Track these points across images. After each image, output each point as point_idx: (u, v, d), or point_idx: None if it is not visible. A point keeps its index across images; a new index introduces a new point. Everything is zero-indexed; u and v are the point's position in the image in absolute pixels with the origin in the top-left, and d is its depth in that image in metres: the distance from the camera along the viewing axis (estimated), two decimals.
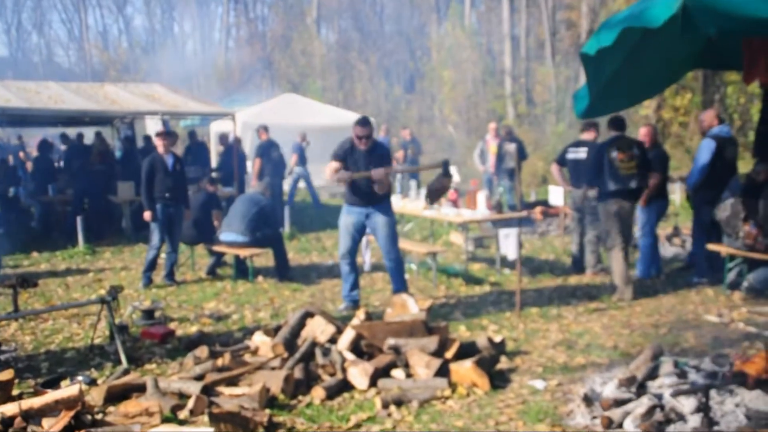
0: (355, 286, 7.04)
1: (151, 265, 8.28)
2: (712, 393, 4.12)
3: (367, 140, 6.65)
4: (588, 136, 8.46)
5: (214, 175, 12.77)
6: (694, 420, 3.92)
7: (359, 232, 6.95)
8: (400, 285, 6.93)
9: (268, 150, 12.53)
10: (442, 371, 4.81)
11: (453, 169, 10.51)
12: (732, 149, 7.63)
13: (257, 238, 8.30)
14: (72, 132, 15.66)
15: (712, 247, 7.56)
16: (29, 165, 17.93)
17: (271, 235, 8.50)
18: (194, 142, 14.30)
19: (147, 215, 8.25)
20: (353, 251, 6.99)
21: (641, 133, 8.23)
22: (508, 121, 24.61)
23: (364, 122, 6.75)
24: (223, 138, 14.57)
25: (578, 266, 8.49)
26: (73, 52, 51.68)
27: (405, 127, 17.09)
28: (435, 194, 6.83)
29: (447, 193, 6.92)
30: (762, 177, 7.23)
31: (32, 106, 10.98)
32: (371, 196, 6.75)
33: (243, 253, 8.26)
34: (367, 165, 6.65)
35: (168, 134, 8.61)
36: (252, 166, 13.23)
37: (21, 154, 18.63)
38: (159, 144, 8.40)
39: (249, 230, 8.26)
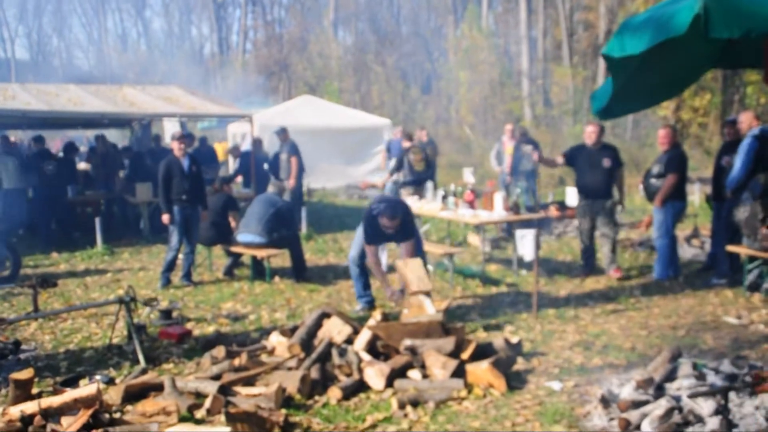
0: (367, 286, 7.06)
1: (170, 266, 8.33)
2: (731, 395, 4.08)
3: (394, 229, 6.59)
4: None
5: (221, 174, 12.91)
6: (713, 422, 3.88)
7: None
8: None
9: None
10: (459, 372, 4.80)
11: (468, 172, 10.50)
12: None
13: (274, 239, 8.33)
14: (90, 134, 15.86)
15: (731, 248, 7.49)
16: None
17: (288, 236, 8.53)
18: (203, 146, 14.55)
19: (165, 218, 8.31)
20: (364, 255, 6.98)
21: (660, 135, 8.16)
22: (525, 122, 24.54)
23: (392, 215, 6.51)
24: (234, 149, 14.86)
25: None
26: (92, 55, 52.14)
27: (422, 128, 17.05)
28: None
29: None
30: None
31: (52, 109, 11.09)
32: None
33: (260, 253, 8.30)
34: (393, 240, 6.78)
35: (184, 137, 8.66)
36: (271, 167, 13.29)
37: None
38: (175, 147, 8.43)
39: (266, 231, 8.29)
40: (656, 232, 8.11)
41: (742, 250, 7.33)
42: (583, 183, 8.33)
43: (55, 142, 25.17)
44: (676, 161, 7.89)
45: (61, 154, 13.74)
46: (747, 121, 7.63)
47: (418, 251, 6.85)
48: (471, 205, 8.57)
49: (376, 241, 6.77)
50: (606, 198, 8.23)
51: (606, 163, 8.12)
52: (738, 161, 7.42)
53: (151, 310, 6.66)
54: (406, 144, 11.18)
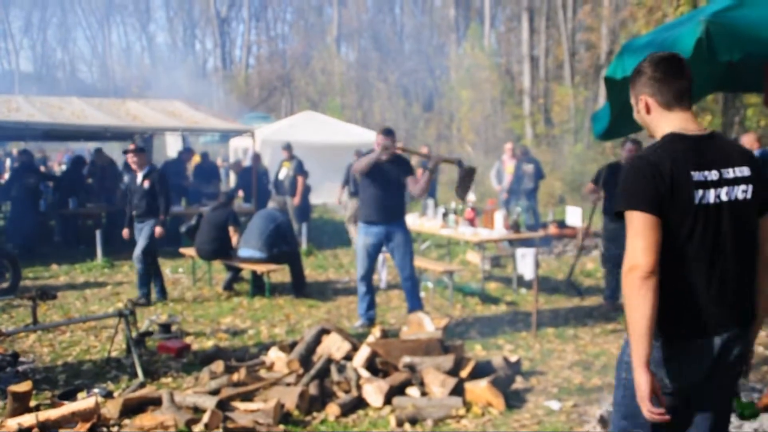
0: (371, 305, 7.03)
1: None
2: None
3: (389, 155, 6.63)
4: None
5: (222, 188, 12.96)
6: None
7: (378, 251, 6.96)
8: (415, 303, 6.92)
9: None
10: (457, 390, 4.79)
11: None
12: None
13: (274, 255, 8.34)
14: (92, 147, 15.92)
15: None
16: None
17: (289, 252, 8.53)
18: (205, 162, 14.63)
19: (124, 233, 8.35)
20: (371, 272, 6.99)
21: None
22: (526, 141, 24.60)
23: (387, 132, 6.71)
24: (236, 165, 15.03)
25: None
26: (96, 69, 52.38)
27: (425, 145, 17.12)
28: (463, 186, 6.57)
29: (472, 182, 6.72)
30: None
31: (55, 121, 11.13)
32: (391, 212, 6.76)
33: (260, 269, 8.30)
34: (389, 177, 6.68)
35: (138, 150, 8.28)
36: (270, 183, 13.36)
37: (42, 168, 18.84)
38: (130, 161, 8.28)
39: (266, 246, 8.30)
40: None
41: None
42: (611, 205, 7.99)
43: (57, 155, 25.26)
44: None
45: (64, 167, 13.76)
46: (748, 144, 7.66)
47: (410, 262, 6.88)
48: (471, 223, 8.59)
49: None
50: None
51: None
52: None
53: (149, 325, 6.67)
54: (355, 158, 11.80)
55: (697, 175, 2.41)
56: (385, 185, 6.71)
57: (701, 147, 2.47)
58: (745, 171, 2.49)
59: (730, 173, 2.46)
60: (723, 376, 2.49)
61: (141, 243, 8.10)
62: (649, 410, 2.33)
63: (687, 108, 2.55)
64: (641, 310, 2.31)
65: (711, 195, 2.42)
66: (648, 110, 2.59)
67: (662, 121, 2.56)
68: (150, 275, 8.18)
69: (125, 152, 8.28)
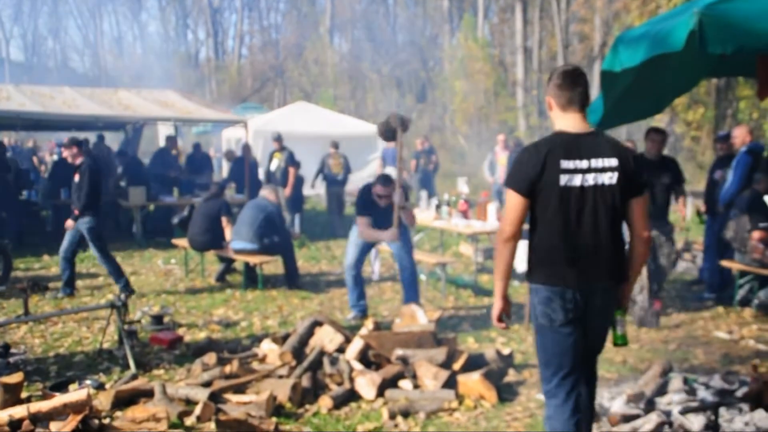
0: (361, 296, 7.02)
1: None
2: (722, 411, 4.09)
3: (387, 200, 6.60)
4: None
5: (215, 179, 12.92)
6: None
7: (370, 244, 6.94)
8: (412, 296, 6.88)
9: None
10: (450, 383, 4.80)
11: (463, 182, 10.50)
12: (765, 164, 7.42)
13: (266, 245, 8.29)
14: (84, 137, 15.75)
15: (725, 263, 7.52)
16: (42, 169, 18.06)
17: (280, 243, 8.50)
18: (198, 152, 14.57)
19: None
20: (360, 263, 6.96)
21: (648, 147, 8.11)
22: (519, 132, 24.60)
23: (385, 181, 6.64)
24: (229, 153, 14.93)
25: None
26: (87, 58, 52.10)
27: (425, 137, 17.18)
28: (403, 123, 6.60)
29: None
30: (763, 186, 7.16)
31: (47, 111, 11.05)
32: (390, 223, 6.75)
33: (253, 260, 8.28)
34: (387, 217, 6.66)
35: (71, 143, 7.96)
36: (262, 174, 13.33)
37: (34, 158, 18.73)
38: (64, 155, 8.07)
39: (257, 237, 8.25)
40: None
41: (735, 266, 7.36)
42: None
43: (49, 144, 25.12)
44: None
45: (55, 157, 13.61)
46: (741, 137, 7.65)
47: (409, 254, 6.86)
48: (465, 214, 8.59)
49: (367, 213, 6.73)
50: (664, 220, 7.09)
51: (666, 178, 7.00)
52: (731, 176, 7.45)
53: (141, 316, 6.64)
54: (332, 150, 13.15)
55: (565, 163, 3.08)
56: (382, 213, 6.73)
57: (577, 142, 3.14)
58: (613, 162, 3.12)
59: (599, 163, 3.11)
60: (590, 317, 3.24)
61: (93, 249, 7.90)
62: (497, 324, 3.45)
63: (577, 111, 3.20)
64: (501, 262, 3.27)
65: (578, 179, 3.10)
66: (550, 108, 3.28)
67: (558, 119, 3.26)
68: (119, 267, 8.03)
69: (59, 146, 8.07)
